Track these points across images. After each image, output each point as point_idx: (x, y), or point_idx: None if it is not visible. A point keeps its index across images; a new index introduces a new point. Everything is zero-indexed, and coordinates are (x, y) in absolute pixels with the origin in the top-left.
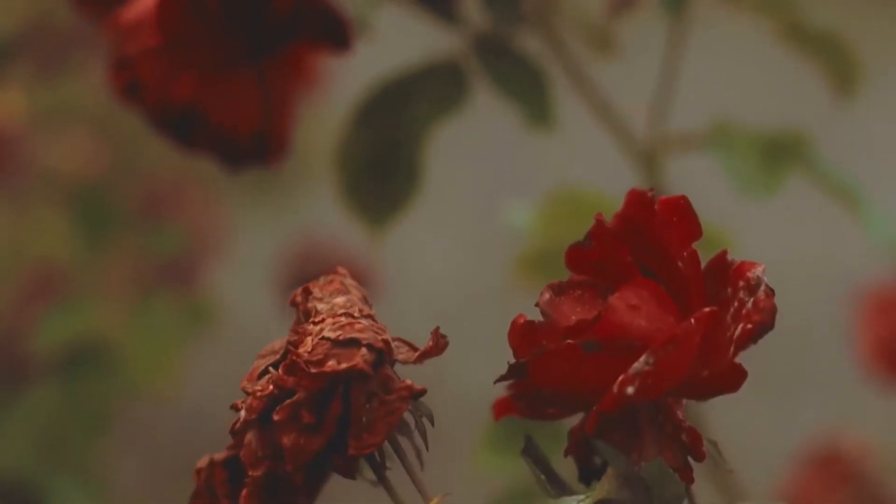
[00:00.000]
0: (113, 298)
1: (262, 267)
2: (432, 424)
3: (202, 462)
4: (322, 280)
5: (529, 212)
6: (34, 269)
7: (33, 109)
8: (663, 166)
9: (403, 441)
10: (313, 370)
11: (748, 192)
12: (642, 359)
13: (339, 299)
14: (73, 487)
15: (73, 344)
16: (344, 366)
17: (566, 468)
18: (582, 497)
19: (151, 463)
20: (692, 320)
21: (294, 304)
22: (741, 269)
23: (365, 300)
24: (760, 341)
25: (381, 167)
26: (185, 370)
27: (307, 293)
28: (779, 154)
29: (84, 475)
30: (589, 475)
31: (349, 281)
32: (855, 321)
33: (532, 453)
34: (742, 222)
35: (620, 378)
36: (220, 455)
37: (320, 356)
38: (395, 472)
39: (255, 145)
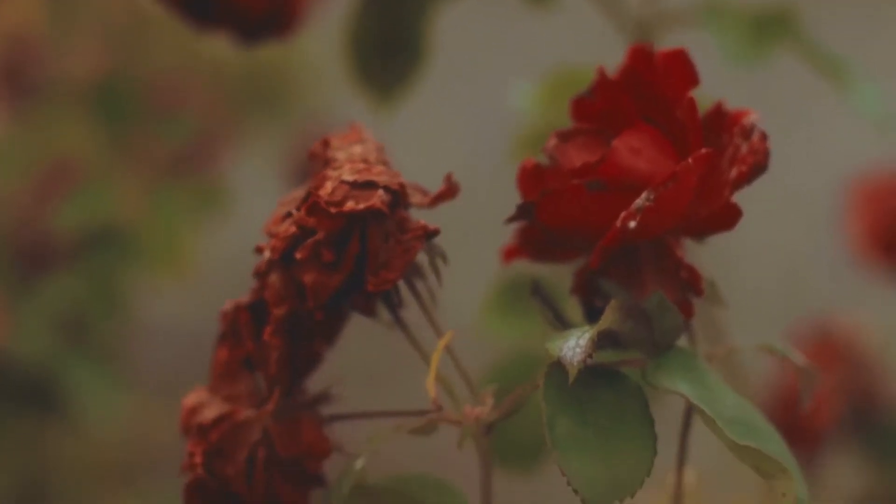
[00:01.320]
0: (129, 185)
1: (270, 158)
2: (446, 264)
3: (227, 306)
4: (340, 133)
5: (530, 92)
6: (53, 162)
7: (48, 13)
8: (657, 43)
9: (418, 282)
10: (333, 210)
11: (739, 63)
12: (643, 195)
13: (357, 148)
14: (90, 371)
15: (90, 229)
16: (362, 206)
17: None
18: (587, 328)
19: (167, 345)
20: (690, 160)
21: (314, 154)
22: (736, 117)
23: (381, 150)
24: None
25: (389, 44)
26: (199, 255)
27: (326, 144)
28: (767, 28)
29: (101, 359)
30: (593, 315)
31: (366, 133)
32: (847, 210)
33: (540, 294)
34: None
35: (623, 214)
36: (244, 299)
37: (339, 197)
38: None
39: (269, 18)
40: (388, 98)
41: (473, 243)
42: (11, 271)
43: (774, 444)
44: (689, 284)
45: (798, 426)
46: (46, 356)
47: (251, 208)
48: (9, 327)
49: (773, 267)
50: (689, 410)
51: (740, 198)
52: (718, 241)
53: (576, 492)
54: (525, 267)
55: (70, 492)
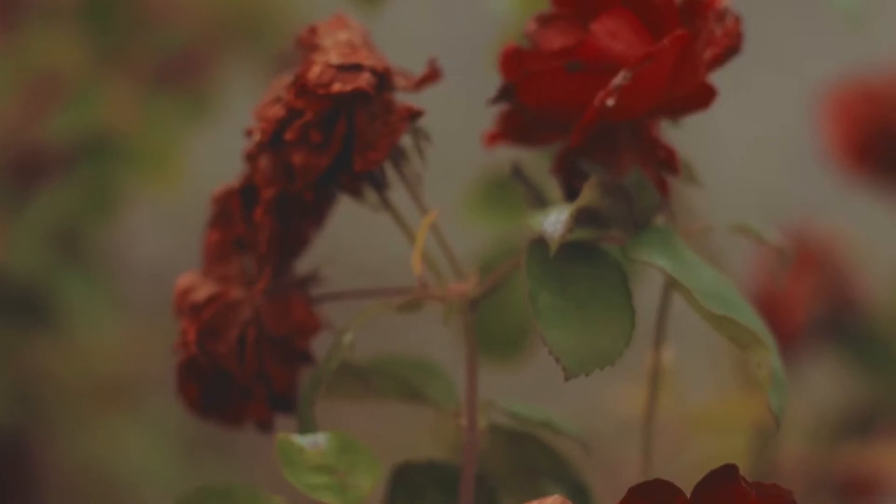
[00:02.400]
0: (119, 95)
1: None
2: (429, 146)
3: (218, 191)
4: (326, 20)
5: None
6: (43, 75)
7: None
8: None
9: (404, 165)
10: (321, 92)
11: None
12: (620, 74)
13: (343, 34)
14: (82, 284)
15: (81, 140)
16: (349, 87)
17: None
18: (567, 205)
19: (161, 253)
20: (666, 41)
21: (301, 42)
22: (710, 2)
23: (366, 37)
24: None
25: None
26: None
27: (313, 31)
28: None
29: (93, 273)
30: (572, 195)
31: (351, 21)
32: (822, 118)
33: (520, 175)
34: None
35: (601, 93)
36: (235, 183)
37: (327, 80)
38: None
39: None
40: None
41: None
42: (3, 185)
43: (750, 317)
44: (665, 163)
45: (773, 329)
46: (38, 269)
47: (239, 123)
48: (1, 240)
49: (748, 173)
50: (667, 289)
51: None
52: (695, 142)
53: (557, 361)
54: (505, 161)
55: (61, 406)
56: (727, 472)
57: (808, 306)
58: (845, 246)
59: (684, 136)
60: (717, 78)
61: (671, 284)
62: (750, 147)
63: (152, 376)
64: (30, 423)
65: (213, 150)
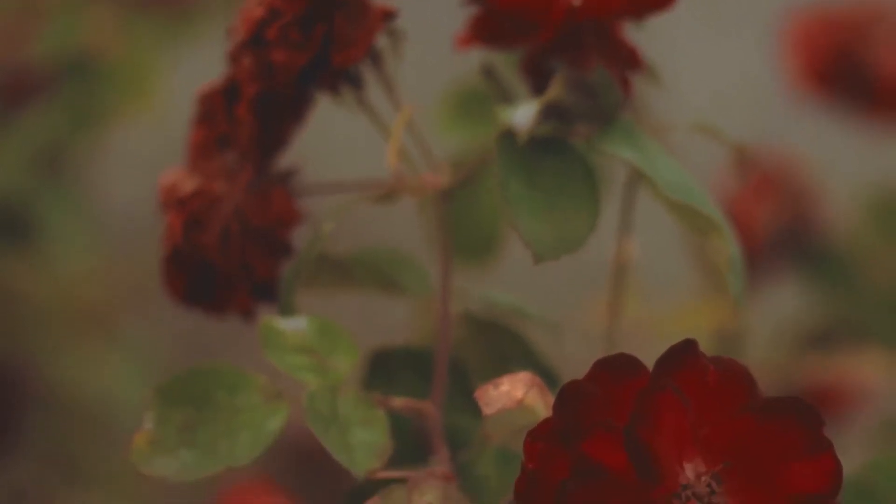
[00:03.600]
0: (104, 15)
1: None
2: (405, 45)
3: (203, 90)
4: None
5: None
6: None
7: None
8: None
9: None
10: None
11: None
12: None
13: None
14: (63, 208)
15: (64, 61)
16: None
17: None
18: (535, 101)
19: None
20: None
21: None
22: None
23: None
24: None
25: None
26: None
27: None
28: None
29: (74, 198)
30: (540, 92)
31: None
32: (783, 45)
33: (491, 74)
34: None
35: None
36: (218, 82)
37: None
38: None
39: None
40: None
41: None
42: None
43: (709, 206)
44: (629, 62)
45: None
46: (20, 190)
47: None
48: None
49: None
50: (632, 181)
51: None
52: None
53: (527, 245)
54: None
55: (39, 329)
56: (687, 347)
57: (769, 225)
58: (805, 168)
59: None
60: (683, 8)
61: (635, 176)
62: (713, 74)
63: (128, 303)
64: (8, 347)
65: (194, 80)
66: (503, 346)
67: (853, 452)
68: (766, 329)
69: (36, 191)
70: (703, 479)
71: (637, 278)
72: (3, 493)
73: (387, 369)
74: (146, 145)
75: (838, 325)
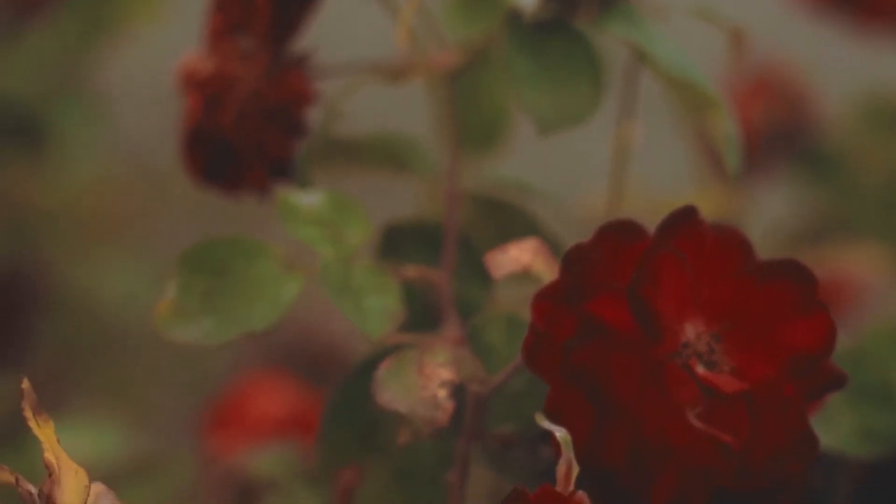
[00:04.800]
0: None
1: None
2: None
3: None
4: None
5: None
6: None
7: None
8: None
9: None
10: None
11: None
12: None
13: None
14: (76, 114)
15: None
16: None
17: None
18: None
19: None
20: None
21: None
22: None
23: None
24: None
25: None
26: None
27: None
28: None
29: (87, 103)
30: None
31: None
32: None
33: None
34: None
35: None
36: None
37: None
38: None
39: None
40: None
41: None
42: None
43: (707, 83)
44: None
45: None
46: (34, 98)
47: None
48: None
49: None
50: (633, 68)
51: None
52: None
53: (533, 119)
54: None
55: (52, 235)
56: (688, 212)
57: (763, 127)
58: (799, 72)
59: None
60: None
61: (636, 61)
62: None
63: (140, 210)
64: (20, 253)
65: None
66: (509, 224)
67: None
68: (760, 227)
69: (48, 99)
70: (703, 338)
71: (637, 168)
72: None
73: (398, 242)
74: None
75: (831, 223)
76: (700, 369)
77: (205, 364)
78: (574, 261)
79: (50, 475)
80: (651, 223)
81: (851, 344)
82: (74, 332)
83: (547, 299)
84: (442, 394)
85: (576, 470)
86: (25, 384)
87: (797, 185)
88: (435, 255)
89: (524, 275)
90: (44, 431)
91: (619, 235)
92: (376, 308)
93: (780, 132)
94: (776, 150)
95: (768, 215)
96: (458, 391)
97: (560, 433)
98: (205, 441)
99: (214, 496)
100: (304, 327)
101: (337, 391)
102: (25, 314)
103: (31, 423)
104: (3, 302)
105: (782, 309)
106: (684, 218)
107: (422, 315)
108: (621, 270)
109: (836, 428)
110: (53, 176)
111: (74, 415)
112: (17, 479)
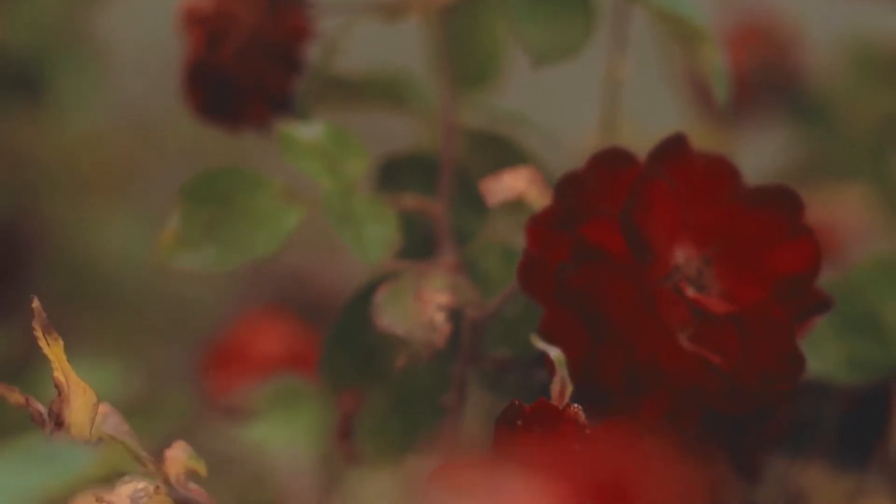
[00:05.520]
0: None
1: None
2: None
3: None
4: None
5: None
6: None
7: None
8: None
9: None
10: None
11: None
12: None
13: None
14: (76, 67)
15: None
16: None
17: None
18: None
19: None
20: None
21: None
22: None
23: None
24: None
25: None
26: None
27: None
28: None
29: (88, 56)
30: None
31: None
32: None
33: None
34: None
35: None
36: None
37: None
38: None
39: None
40: None
41: None
42: None
43: (699, 17)
44: None
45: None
46: (33, 50)
47: None
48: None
49: None
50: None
51: None
52: None
53: (527, 52)
54: None
55: (51, 191)
56: (678, 140)
57: (751, 73)
58: (786, 17)
59: None
60: None
61: None
62: None
63: (139, 165)
64: (17, 206)
65: None
66: (504, 157)
67: None
68: (748, 172)
69: (46, 51)
70: (693, 262)
71: (627, 110)
72: (10, 345)
73: (395, 174)
74: (154, 5)
75: (818, 168)
76: (690, 292)
77: (202, 315)
78: (567, 187)
79: (59, 394)
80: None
81: (839, 277)
82: (72, 284)
83: (541, 224)
84: (439, 318)
85: (569, 388)
86: (36, 304)
87: (785, 130)
88: (431, 186)
89: (518, 202)
90: (53, 350)
91: (611, 163)
92: (375, 236)
93: (767, 78)
94: (764, 96)
95: (756, 161)
96: (454, 316)
97: (554, 353)
98: (204, 381)
99: (214, 427)
100: (298, 276)
101: (337, 318)
102: (23, 265)
103: (42, 343)
104: (1, 253)
105: (770, 233)
106: (674, 145)
107: (419, 245)
108: (613, 197)
109: (824, 357)
110: (51, 128)
111: (72, 362)
112: (27, 400)
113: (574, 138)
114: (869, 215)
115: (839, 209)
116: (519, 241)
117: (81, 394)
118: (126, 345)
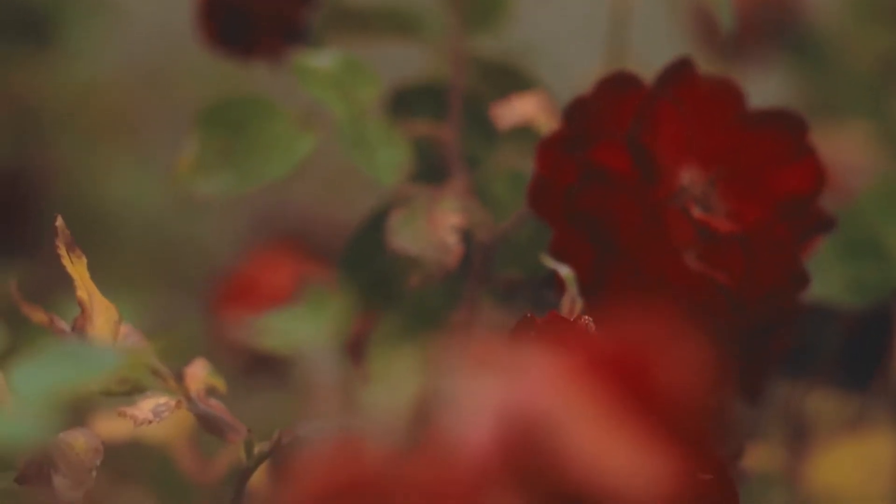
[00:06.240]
0: None
1: None
2: None
3: None
4: None
5: None
6: None
7: None
8: None
9: None
10: None
11: None
12: None
13: None
14: (86, 11)
15: None
16: None
17: None
18: None
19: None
20: None
21: None
22: None
23: None
24: None
25: None
26: None
27: None
28: None
29: (95, 1)
30: None
31: None
32: None
33: None
34: None
35: None
36: None
37: None
38: None
39: None
40: None
41: None
42: None
43: None
44: None
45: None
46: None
47: None
48: None
49: None
50: None
51: None
52: None
53: None
54: None
55: (60, 135)
56: (683, 63)
57: (752, 14)
58: None
59: None
60: None
61: None
62: None
63: (148, 111)
64: (26, 151)
65: None
66: (513, 86)
67: None
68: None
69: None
70: (699, 183)
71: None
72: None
73: (407, 102)
74: None
75: (818, 108)
76: (696, 212)
77: (210, 260)
78: (575, 111)
79: (82, 311)
80: None
81: (843, 203)
82: (79, 228)
83: (550, 147)
84: (451, 238)
85: (579, 304)
86: (59, 222)
87: (784, 69)
88: (442, 114)
89: (527, 128)
90: (76, 269)
91: (618, 86)
92: (388, 160)
93: (767, 17)
94: (764, 36)
95: (756, 100)
96: (466, 238)
97: (564, 271)
98: (215, 316)
99: (226, 360)
100: (304, 218)
101: (350, 241)
102: (31, 210)
103: (66, 261)
104: (9, 198)
105: (774, 154)
106: (680, 69)
107: (430, 171)
108: (621, 119)
109: (827, 280)
110: (60, 74)
111: None
112: (51, 319)
113: (581, 71)
114: (868, 153)
115: (839, 148)
116: (527, 168)
117: (104, 311)
118: (134, 287)
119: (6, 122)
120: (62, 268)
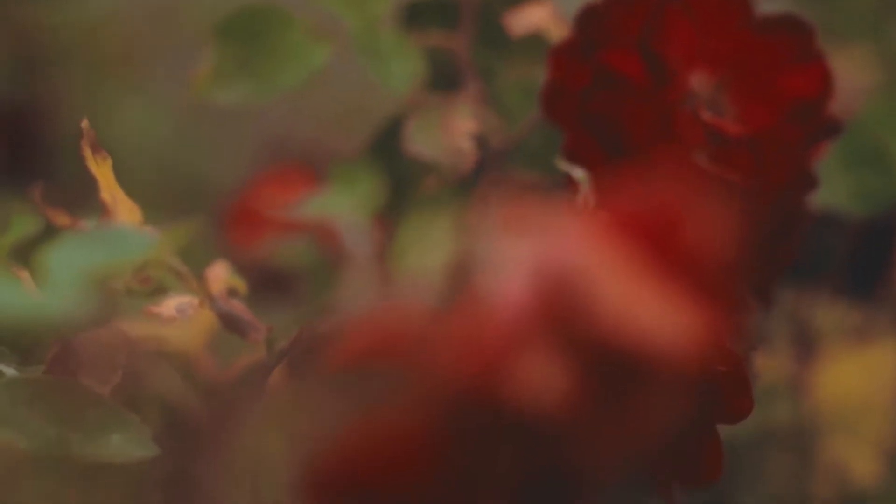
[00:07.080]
0: None
1: None
2: None
3: None
4: None
5: None
6: None
7: None
8: None
9: None
10: None
11: None
12: None
13: None
14: None
15: None
16: None
17: None
18: None
19: None
20: None
21: None
22: None
23: None
24: None
25: None
26: None
27: None
28: None
29: None
30: None
31: None
32: None
33: None
34: None
35: None
36: None
37: None
38: None
39: None
40: None
41: None
42: None
43: None
44: None
45: None
46: None
47: None
48: None
49: None
50: None
51: None
52: None
53: None
54: None
55: (63, 71)
56: None
57: None
58: None
59: None
60: None
61: None
62: None
63: (153, 46)
64: (29, 87)
65: None
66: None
67: None
68: None
69: None
70: (708, 87)
71: None
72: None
73: (419, 15)
74: None
75: (819, 30)
76: (706, 114)
77: (216, 194)
78: (587, 17)
79: (106, 212)
80: None
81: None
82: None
83: (562, 53)
84: (465, 144)
85: (593, 204)
86: (85, 123)
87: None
88: (454, 25)
89: (538, 37)
90: (101, 170)
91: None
92: (401, 70)
93: None
94: None
95: None
96: (480, 144)
97: (578, 173)
98: (225, 238)
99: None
100: (308, 151)
101: (365, 148)
102: (36, 148)
103: (90, 162)
104: (16, 131)
105: (782, 58)
106: None
107: (443, 81)
108: (631, 25)
109: (832, 189)
110: (68, 8)
111: None
112: (74, 221)
113: None
114: (869, 78)
115: (840, 70)
116: (538, 78)
117: (128, 212)
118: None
119: (14, 56)
120: (65, 206)
